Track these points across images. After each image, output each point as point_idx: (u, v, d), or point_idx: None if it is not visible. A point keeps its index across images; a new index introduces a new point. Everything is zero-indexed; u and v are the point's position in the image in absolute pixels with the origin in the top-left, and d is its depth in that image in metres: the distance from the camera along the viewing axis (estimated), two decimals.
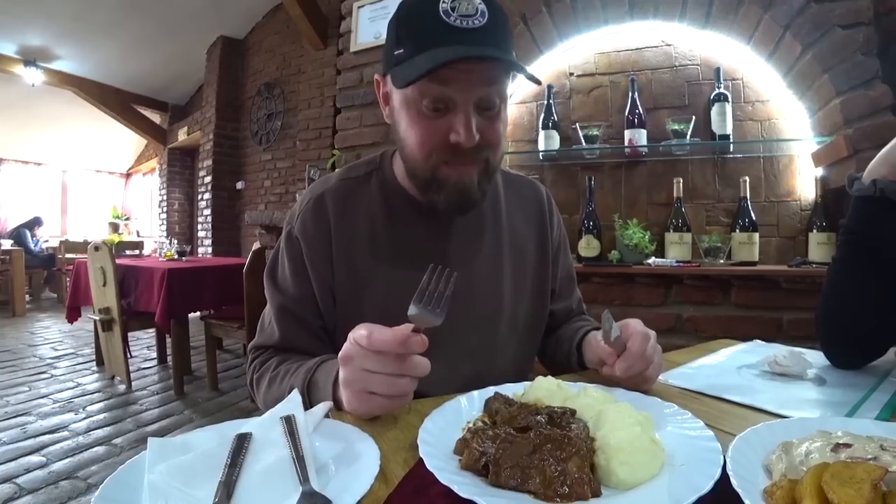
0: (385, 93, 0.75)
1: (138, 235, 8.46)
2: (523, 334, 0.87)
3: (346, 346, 0.56)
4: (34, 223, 6.99)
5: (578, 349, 0.83)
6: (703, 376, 0.77)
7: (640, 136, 1.95)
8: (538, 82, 0.69)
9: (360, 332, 0.55)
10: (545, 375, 0.63)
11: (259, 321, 0.85)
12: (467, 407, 0.59)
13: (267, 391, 0.75)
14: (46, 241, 7.35)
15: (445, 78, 0.63)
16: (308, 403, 0.66)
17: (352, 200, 0.80)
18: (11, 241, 6.49)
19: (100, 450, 2.13)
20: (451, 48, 0.61)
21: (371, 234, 0.79)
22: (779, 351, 0.83)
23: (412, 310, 0.55)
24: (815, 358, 0.82)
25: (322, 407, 0.58)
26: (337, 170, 0.89)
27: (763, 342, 1.01)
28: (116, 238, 6.51)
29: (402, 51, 0.66)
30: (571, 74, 2.16)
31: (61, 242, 6.68)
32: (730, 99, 1.88)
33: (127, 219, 8.70)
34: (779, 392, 0.69)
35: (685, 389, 0.71)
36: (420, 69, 0.61)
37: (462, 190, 0.70)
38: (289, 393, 0.69)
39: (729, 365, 0.84)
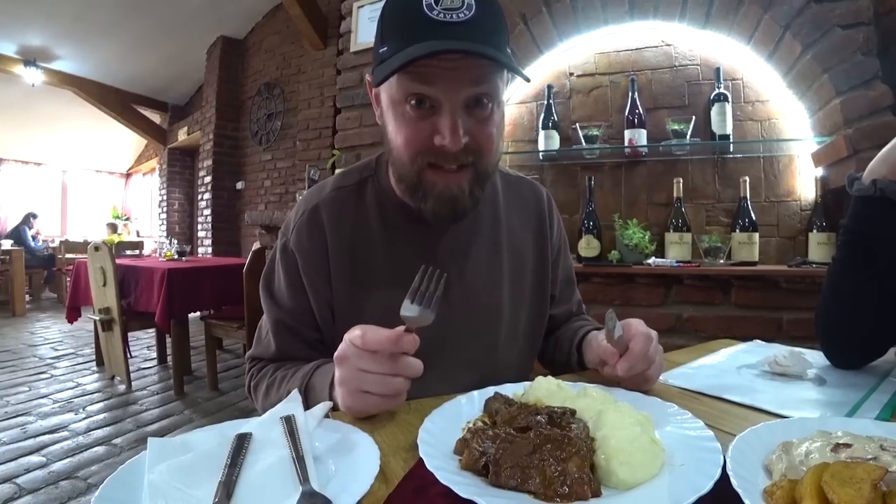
0: (376, 94, 0.72)
1: (138, 235, 8.47)
2: (523, 341, 0.86)
3: (341, 346, 0.57)
4: (29, 217, 6.98)
5: (579, 350, 0.83)
6: (702, 376, 0.77)
7: (640, 136, 1.95)
8: (527, 79, 0.65)
9: (355, 333, 0.55)
10: (545, 375, 0.63)
11: (256, 331, 0.85)
12: (467, 407, 0.59)
13: (265, 398, 0.76)
14: (53, 241, 7.34)
15: (428, 77, 0.61)
16: (305, 407, 0.66)
17: (346, 211, 0.78)
18: (11, 242, 6.49)
19: (100, 450, 2.13)
20: (430, 43, 0.58)
21: (367, 247, 0.77)
22: (779, 351, 0.83)
23: (404, 309, 0.56)
24: (815, 358, 0.82)
25: (322, 407, 0.58)
26: (331, 176, 0.87)
27: (763, 342, 1.01)
28: (116, 238, 6.51)
29: (385, 49, 0.63)
30: (571, 74, 2.16)
31: (61, 242, 6.69)
32: (730, 99, 1.88)
33: (126, 219, 8.70)
34: (779, 392, 0.69)
35: (685, 389, 0.71)
36: (393, 66, 0.59)
37: (450, 199, 0.68)
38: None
39: (729, 365, 0.84)
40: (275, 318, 0.79)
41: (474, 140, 0.65)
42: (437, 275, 0.60)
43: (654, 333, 0.67)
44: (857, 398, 0.66)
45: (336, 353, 0.57)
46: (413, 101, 0.63)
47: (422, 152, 0.65)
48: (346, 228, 0.77)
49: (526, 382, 0.63)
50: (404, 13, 0.62)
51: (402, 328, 0.54)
